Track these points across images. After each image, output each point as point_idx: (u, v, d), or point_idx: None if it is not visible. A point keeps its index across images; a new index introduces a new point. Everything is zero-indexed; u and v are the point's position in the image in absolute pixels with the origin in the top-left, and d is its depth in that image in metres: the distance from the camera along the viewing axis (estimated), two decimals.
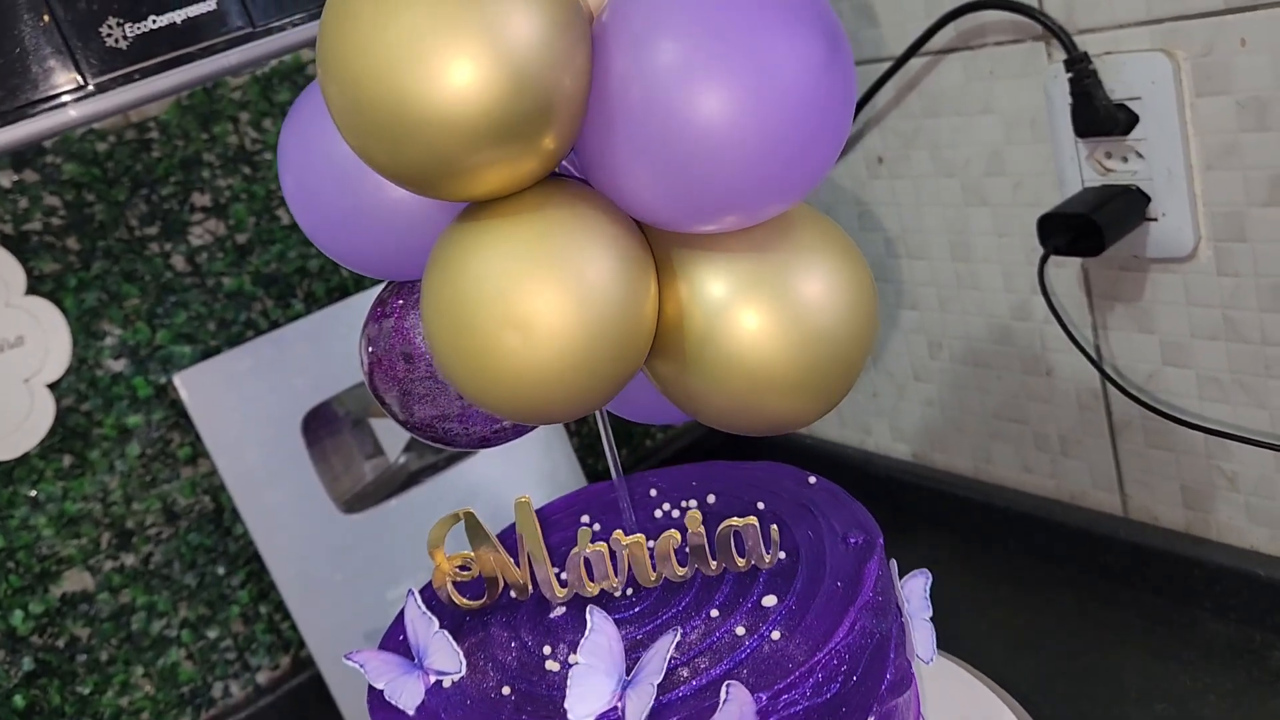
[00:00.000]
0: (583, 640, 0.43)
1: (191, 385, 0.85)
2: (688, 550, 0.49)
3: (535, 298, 0.39)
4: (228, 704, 0.91)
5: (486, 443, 0.50)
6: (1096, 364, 0.75)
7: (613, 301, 0.40)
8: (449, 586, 0.52)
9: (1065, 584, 0.82)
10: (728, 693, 0.41)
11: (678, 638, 0.43)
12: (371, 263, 0.46)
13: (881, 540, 0.50)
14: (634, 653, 0.45)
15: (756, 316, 0.42)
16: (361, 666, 0.49)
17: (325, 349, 0.89)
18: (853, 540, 0.50)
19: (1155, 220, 0.69)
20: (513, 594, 0.52)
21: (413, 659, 0.49)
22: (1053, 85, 0.70)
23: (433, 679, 0.48)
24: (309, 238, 0.46)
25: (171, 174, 0.85)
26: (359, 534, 0.90)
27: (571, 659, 0.44)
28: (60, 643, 0.83)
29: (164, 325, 0.85)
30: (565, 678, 0.44)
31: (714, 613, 0.47)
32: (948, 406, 0.90)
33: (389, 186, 0.43)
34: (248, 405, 0.87)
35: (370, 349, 0.49)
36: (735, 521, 0.48)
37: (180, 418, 0.87)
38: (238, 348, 0.87)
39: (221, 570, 0.89)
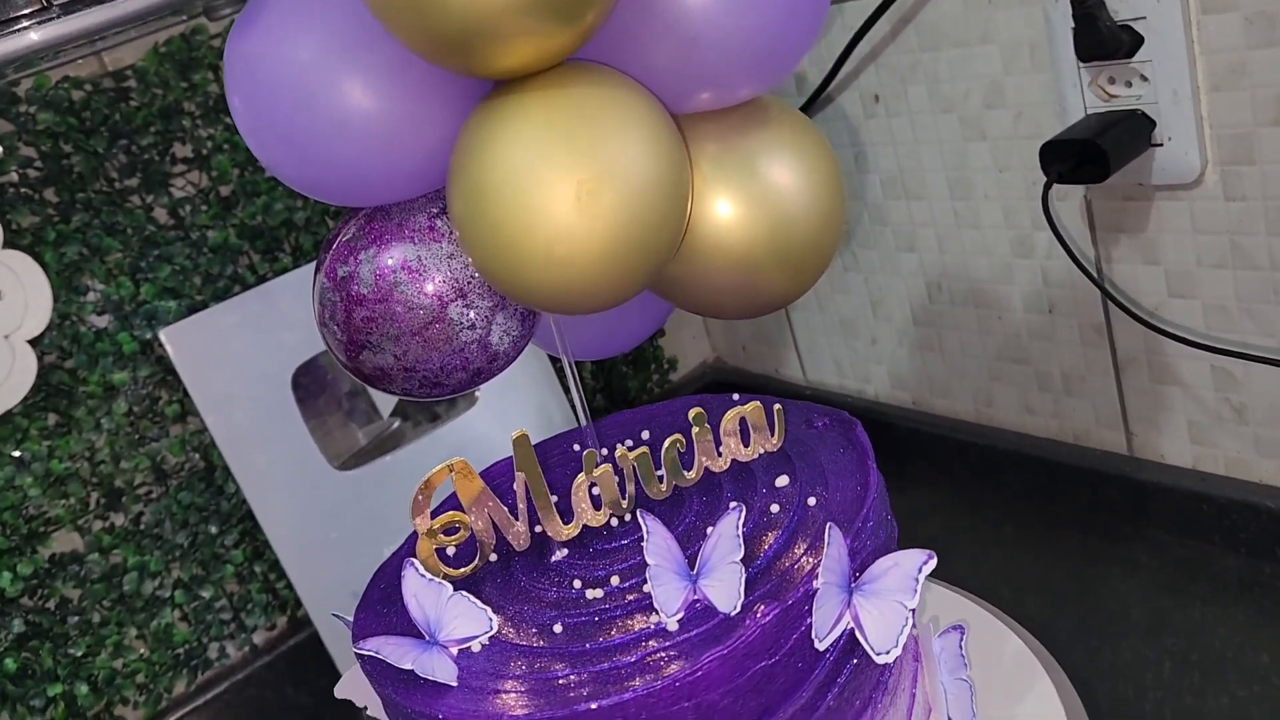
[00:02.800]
0: (645, 543, 0.42)
1: (178, 341, 0.83)
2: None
3: (579, 174, 0.39)
4: (224, 665, 0.90)
5: (438, 387, 0.47)
6: (1100, 286, 0.73)
7: (658, 179, 0.39)
8: (433, 557, 0.48)
9: (1070, 524, 0.81)
10: (830, 534, 0.40)
11: (742, 514, 0.43)
12: (330, 187, 0.44)
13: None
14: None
15: (731, 201, 0.42)
16: (377, 652, 0.44)
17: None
18: (819, 423, 0.50)
19: (1160, 145, 0.67)
20: (513, 544, 0.50)
21: (421, 637, 0.45)
22: (1054, 9, 0.68)
23: (455, 650, 0.45)
24: (261, 161, 0.44)
25: (151, 124, 0.83)
26: (353, 491, 0.88)
27: (614, 580, 0.44)
28: (51, 604, 0.82)
29: (148, 280, 0.84)
30: (615, 601, 0.43)
31: (733, 503, 0.46)
32: (948, 350, 0.89)
33: (348, 101, 0.40)
34: (236, 361, 0.85)
35: (321, 295, 0.46)
36: (742, 409, 0.46)
37: (167, 374, 0.85)
38: (224, 302, 0.85)
39: (214, 529, 0.88)
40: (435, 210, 0.44)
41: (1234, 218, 0.67)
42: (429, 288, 0.45)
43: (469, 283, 0.45)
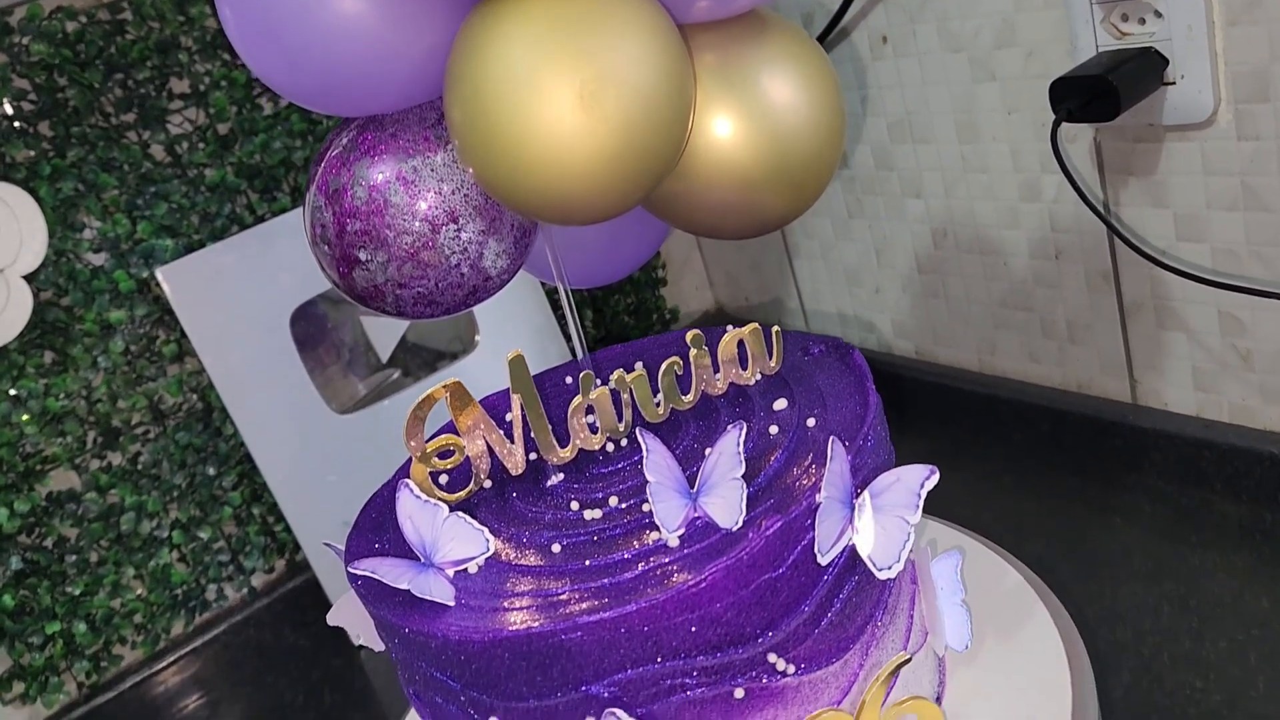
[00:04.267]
0: (644, 460, 0.42)
1: (175, 280, 0.82)
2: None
3: (581, 75, 0.38)
4: (222, 606, 0.90)
5: (433, 305, 0.46)
6: (1107, 221, 0.73)
7: (662, 82, 0.39)
8: (428, 480, 0.48)
9: (1072, 472, 0.81)
10: (832, 448, 0.40)
11: (743, 431, 0.42)
12: (322, 95, 0.43)
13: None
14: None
15: (730, 116, 0.41)
16: (372, 573, 0.44)
17: None
18: (815, 350, 0.49)
19: (1173, 84, 0.66)
20: (509, 468, 0.50)
21: (417, 560, 0.45)
22: None
23: (452, 571, 0.45)
24: (253, 71, 0.43)
25: (147, 58, 0.81)
26: (352, 434, 0.88)
27: (612, 501, 0.43)
28: (48, 543, 0.82)
29: (144, 217, 0.83)
30: (614, 521, 0.42)
31: (730, 426, 0.45)
32: (952, 298, 0.88)
33: (341, 4, 0.39)
34: (233, 302, 0.84)
35: (313, 211, 0.45)
36: (740, 331, 0.46)
37: (164, 313, 0.84)
38: (221, 242, 0.84)
39: (212, 471, 0.88)
40: (432, 120, 0.44)
41: (1246, 158, 0.66)
42: (421, 206, 0.44)
43: (462, 206, 0.44)
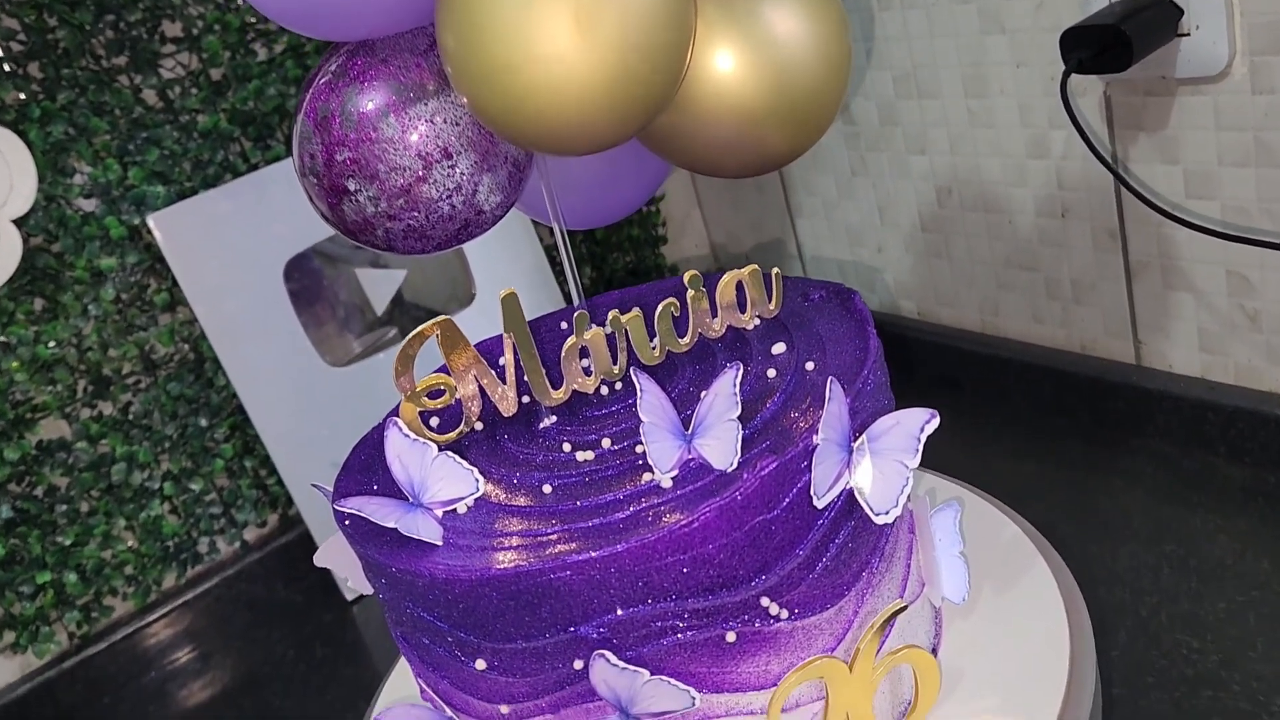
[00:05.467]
0: (639, 401, 0.41)
1: (166, 227, 0.81)
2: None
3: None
4: (214, 560, 0.90)
5: (424, 239, 0.45)
6: (1115, 172, 0.71)
7: (660, 5, 0.37)
8: (418, 420, 0.47)
9: (1074, 434, 0.80)
10: (831, 389, 0.39)
11: (739, 372, 0.41)
12: (311, 17, 0.41)
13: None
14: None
15: (731, 48, 0.40)
16: (359, 511, 0.43)
17: None
18: (815, 296, 0.48)
19: (1187, 35, 0.65)
20: (500, 408, 0.49)
21: (405, 499, 0.44)
22: None
23: (440, 512, 0.44)
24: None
25: None
26: (346, 387, 0.87)
27: (605, 443, 0.42)
28: (39, 491, 0.81)
29: (136, 163, 0.81)
30: (606, 462, 0.41)
31: (727, 367, 0.44)
32: (956, 257, 0.87)
33: None
34: (226, 251, 0.83)
35: (301, 139, 0.44)
36: (739, 272, 0.45)
37: (156, 262, 0.83)
38: (214, 190, 0.83)
39: (204, 422, 0.87)
40: (423, 46, 0.42)
41: (1260, 113, 0.64)
42: (413, 139, 0.43)
43: (455, 140, 0.43)
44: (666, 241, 1.10)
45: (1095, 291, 0.78)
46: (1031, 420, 0.83)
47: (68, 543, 0.82)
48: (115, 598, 0.85)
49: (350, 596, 0.86)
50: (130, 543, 0.85)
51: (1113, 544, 0.69)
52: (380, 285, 0.92)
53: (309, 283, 0.91)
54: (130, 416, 0.84)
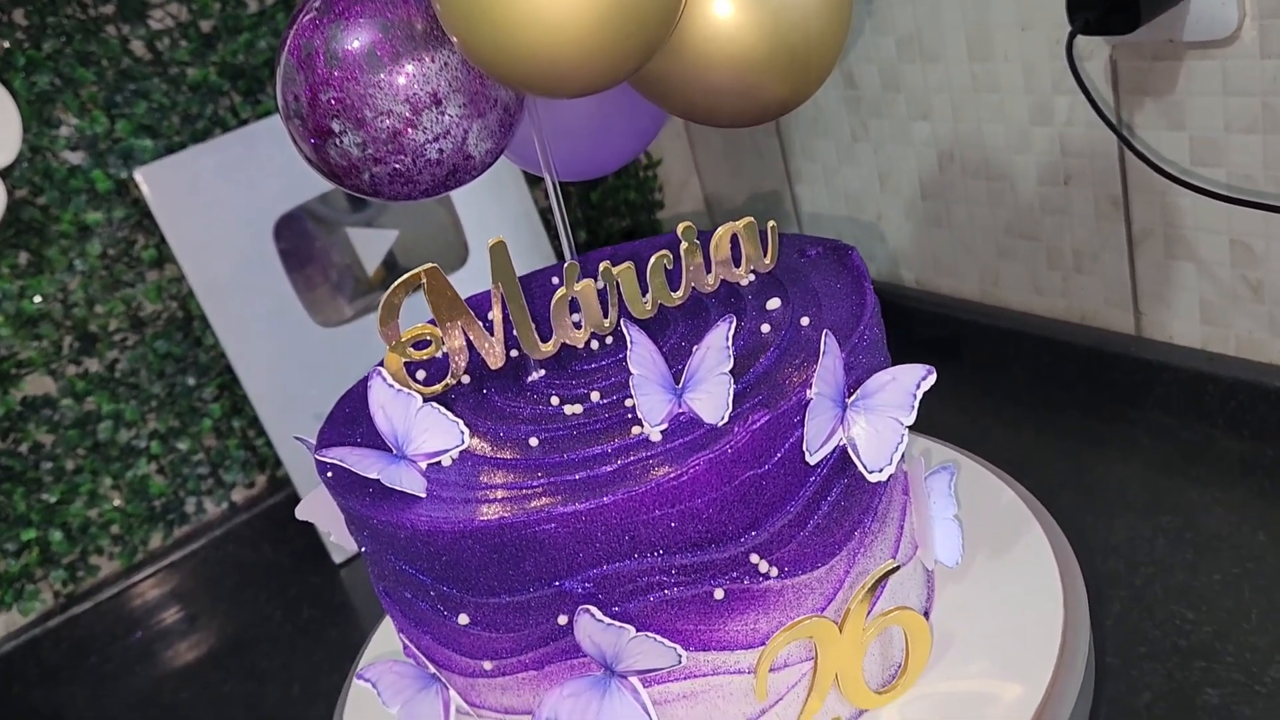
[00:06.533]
0: (629, 353, 0.40)
1: (154, 181, 0.80)
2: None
3: None
4: (201, 521, 0.89)
5: (410, 184, 0.44)
6: (1119, 132, 0.70)
7: None
8: (403, 371, 0.46)
9: (1071, 405, 0.79)
10: (826, 342, 0.38)
11: (732, 325, 0.40)
12: None
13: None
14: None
15: None
16: (341, 461, 0.42)
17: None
18: (812, 253, 0.47)
19: None
20: (487, 361, 0.48)
21: (389, 451, 0.43)
22: None
23: (425, 464, 0.43)
24: None
25: None
26: (336, 348, 0.86)
27: (594, 397, 0.41)
28: (23, 448, 0.80)
29: (123, 116, 0.80)
30: (595, 416, 0.40)
31: (720, 321, 0.43)
32: (956, 225, 0.85)
33: None
34: (215, 207, 0.81)
35: (285, 78, 0.43)
36: (734, 225, 0.44)
37: (144, 217, 0.82)
38: (203, 144, 0.81)
39: (191, 381, 0.86)
40: None
41: (1269, 77, 0.63)
42: (400, 81, 0.42)
43: (444, 85, 0.41)
44: (663, 206, 1.09)
45: (1096, 261, 0.77)
46: (1030, 391, 0.82)
47: (53, 500, 0.81)
48: (101, 557, 0.85)
49: (337, 558, 0.85)
50: (116, 502, 0.84)
51: (1109, 515, 0.68)
52: (371, 245, 0.91)
53: (300, 244, 0.90)
54: (117, 374, 0.83)
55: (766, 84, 0.41)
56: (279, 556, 0.89)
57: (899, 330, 0.90)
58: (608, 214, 1.05)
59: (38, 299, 0.78)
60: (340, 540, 0.48)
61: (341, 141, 0.42)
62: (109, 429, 0.83)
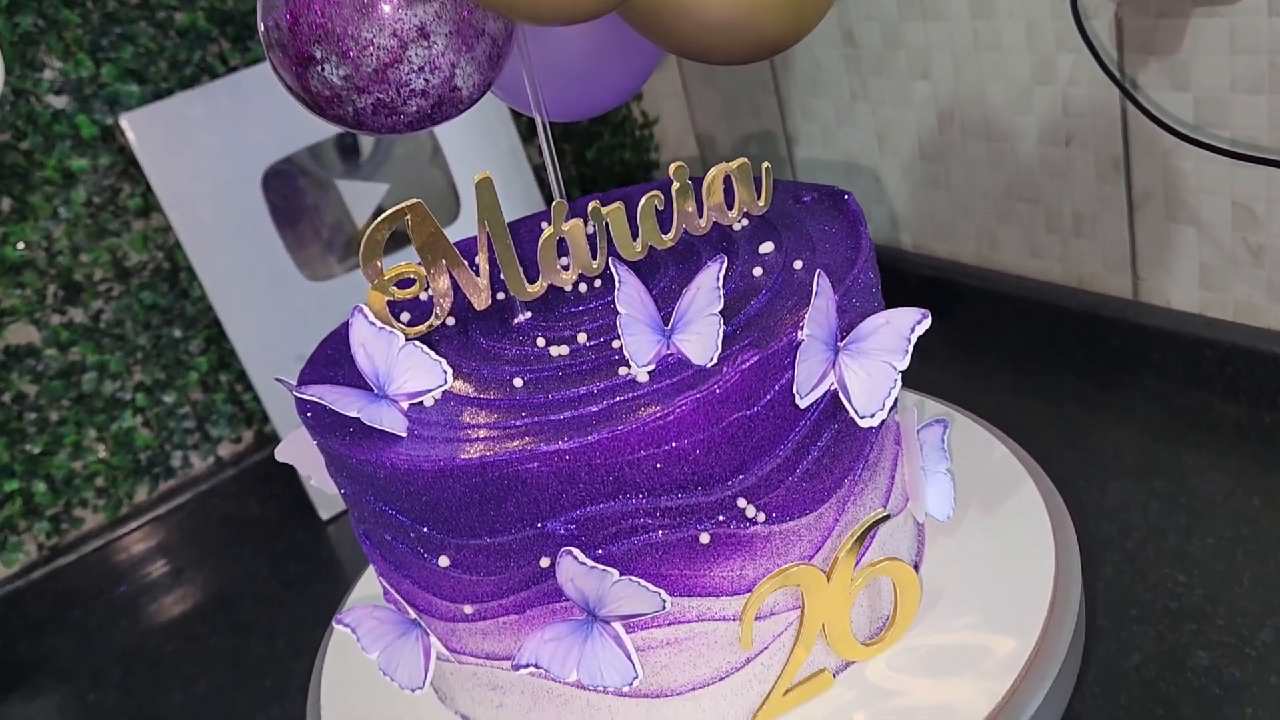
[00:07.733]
0: (617, 292, 0.39)
1: (140, 128, 0.78)
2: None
3: None
4: (187, 475, 0.88)
5: (395, 115, 0.42)
6: (1123, 86, 0.69)
7: None
8: (384, 309, 0.44)
9: (1067, 369, 0.78)
10: (819, 283, 0.37)
11: (723, 266, 0.39)
12: None
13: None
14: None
15: None
16: (320, 398, 0.41)
17: (287, 100, 0.82)
18: (807, 199, 0.46)
19: None
20: (472, 301, 0.47)
21: (370, 391, 0.42)
22: None
23: (406, 404, 0.42)
24: None
25: None
26: (326, 302, 0.85)
27: (580, 338, 0.40)
28: (7, 398, 0.79)
29: (109, 60, 0.78)
30: (581, 357, 0.39)
31: (710, 261, 0.42)
32: (955, 187, 0.84)
33: None
34: (203, 157, 0.80)
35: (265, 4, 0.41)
36: (727, 166, 0.42)
37: (130, 165, 0.80)
38: (191, 91, 0.80)
39: (178, 333, 0.85)
40: None
41: (1277, 36, 0.62)
42: (385, 9, 0.40)
43: (430, 19, 0.40)
44: (659, 166, 1.07)
45: (1096, 224, 0.76)
46: (1026, 355, 0.82)
47: (36, 451, 0.80)
48: (85, 509, 0.84)
49: (324, 513, 0.84)
50: (101, 454, 0.83)
51: (1103, 478, 0.68)
52: (361, 198, 0.89)
53: (290, 199, 0.88)
54: (102, 325, 0.82)
55: (763, 18, 0.40)
56: (265, 511, 0.88)
57: (895, 294, 0.90)
58: (603, 172, 1.04)
59: (21, 246, 0.77)
60: (321, 484, 0.47)
61: (324, 70, 0.40)
62: (93, 380, 0.81)
